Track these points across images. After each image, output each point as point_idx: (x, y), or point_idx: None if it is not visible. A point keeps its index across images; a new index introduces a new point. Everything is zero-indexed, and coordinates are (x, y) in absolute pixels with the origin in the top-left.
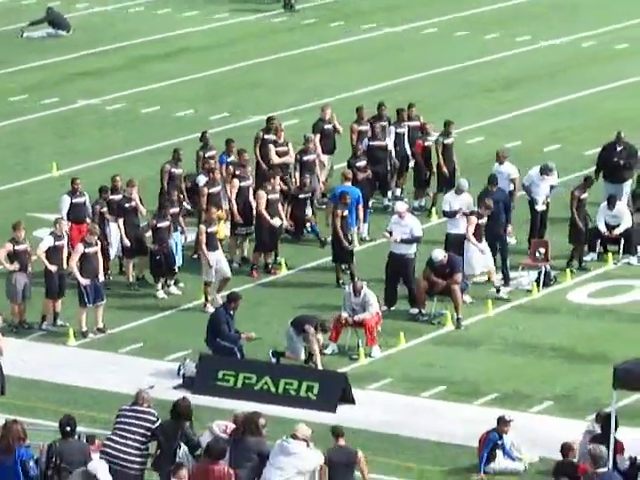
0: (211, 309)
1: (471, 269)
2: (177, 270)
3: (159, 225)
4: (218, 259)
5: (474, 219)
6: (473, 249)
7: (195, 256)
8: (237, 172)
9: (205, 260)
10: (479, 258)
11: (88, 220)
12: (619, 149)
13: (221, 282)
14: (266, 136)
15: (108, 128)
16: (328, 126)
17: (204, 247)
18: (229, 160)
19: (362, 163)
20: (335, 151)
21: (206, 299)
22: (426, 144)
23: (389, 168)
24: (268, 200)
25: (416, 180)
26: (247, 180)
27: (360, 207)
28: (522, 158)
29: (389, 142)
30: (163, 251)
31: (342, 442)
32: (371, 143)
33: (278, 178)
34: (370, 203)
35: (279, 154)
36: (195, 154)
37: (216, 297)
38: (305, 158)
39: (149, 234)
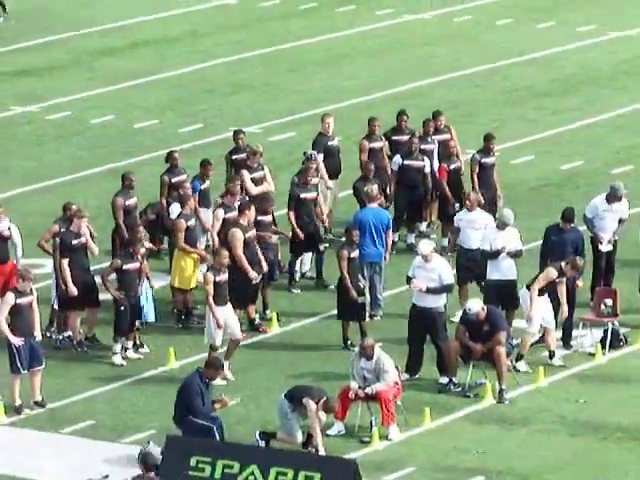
0: (219, 382)
1: (529, 325)
2: (142, 327)
3: (125, 267)
4: (228, 316)
5: (553, 273)
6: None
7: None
8: (223, 200)
9: (214, 318)
10: (538, 312)
11: (16, 261)
12: None
13: (230, 346)
14: (234, 156)
15: (49, 143)
16: (332, 142)
17: (212, 301)
18: (203, 187)
19: (374, 187)
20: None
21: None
22: (452, 167)
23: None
24: (245, 240)
25: (442, 213)
26: (233, 211)
27: (390, 234)
28: (583, 183)
29: (427, 162)
30: (130, 301)
31: None
32: (406, 162)
33: (253, 210)
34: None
35: (254, 182)
36: (159, 179)
37: (224, 367)
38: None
39: (100, 280)
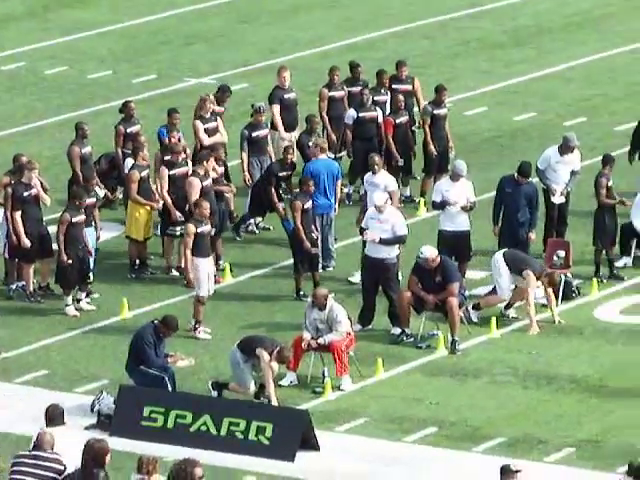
0: (204, 335)
1: (499, 289)
2: (91, 278)
3: (74, 220)
4: (209, 270)
5: (533, 282)
6: (505, 270)
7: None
8: (166, 157)
9: (197, 269)
10: (508, 281)
11: None
12: None
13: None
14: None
15: (3, 93)
16: (289, 95)
17: (189, 253)
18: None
19: (324, 140)
20: (297, 126)
21: (197, 322)
22: (398, 121)
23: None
24: (202, 189)
25: (388, 166)
26: (181, 167)
27: (339, 184)
28: (536, 134)
29: (379, 113)
30: (77, 254)
31: None
32: (361, 114)
33: (212, 161)
34: (346, 190)
35: (208, 132)
36: (114, 129)
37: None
38: (254, 134)
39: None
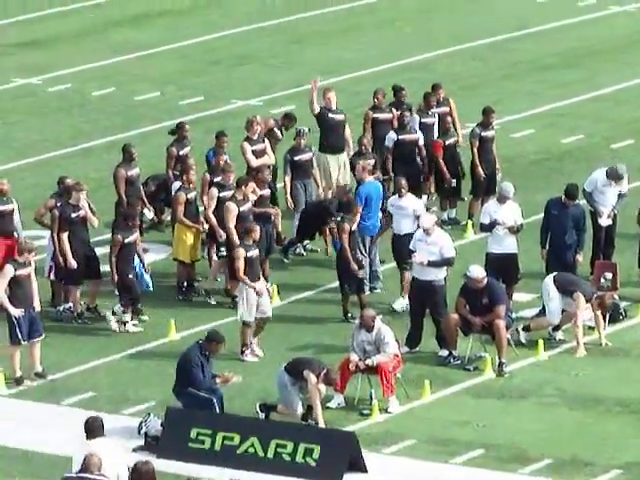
0: (251, 358)
1: (548, 313)
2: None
3: (127, 240)
4: (261, 291)
5: (583, 304)
6: (555, 294)
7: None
8: (216, 179)
9: (244, 293)
10: (559, 304)
11: (16, 234)
12: None
13: (258, 324)
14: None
15: (50, 115)
16: (334, 115)
17: (243, 275)
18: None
19: (369, 162)
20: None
21: (244, 345)
22: (448, 142)
23: (421, 168)
24: (239, 214)
25: (439, 188)
26: (231, 189)
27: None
28: (584, 157)
29: (420, 135)
30: (131, 274)
31: None
32: (400, 137)
33: (253, 184)
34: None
35: (255, 154)
36: (166, 150)
37: (253, 344)
38: (297, 158)
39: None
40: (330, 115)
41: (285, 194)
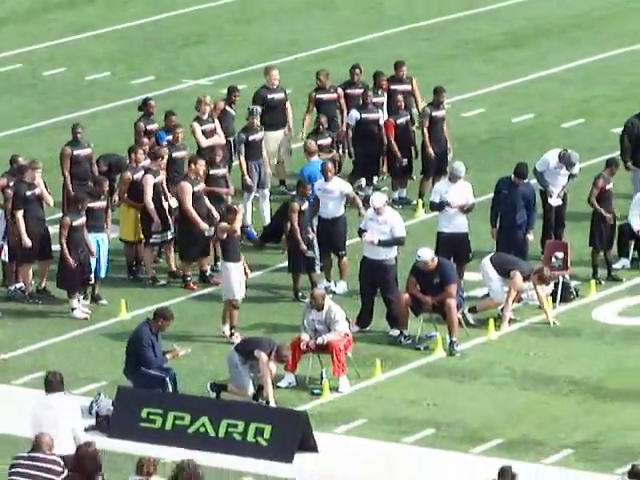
0: (238, 339)
1: (492, 294)
2: (92, 281)
3: (74, 223)
4: (241, 273)
5: (520, 283)
6: (494, 274)
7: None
8: (150, 166)
9: (229, 273)
10: (499, 284)
11: None
12: None
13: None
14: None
15: (1, 95)
16: (274, 95)
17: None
18: (169, 138)
19: (326, 141)
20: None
21: (232, 326)
22: (399, 122)
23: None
24: (194, 194)
25: (390, 167)
26: (159, 175)
27: None
28: (535, 136)
29: (381, 114)
30: (79, 258)
31: None
32: (363, 115)
33: (204, 164)
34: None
35: (205, 134)
36: (133, 126)
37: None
38: (251, 138)
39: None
40: (269, 95)
41: (243, 174)
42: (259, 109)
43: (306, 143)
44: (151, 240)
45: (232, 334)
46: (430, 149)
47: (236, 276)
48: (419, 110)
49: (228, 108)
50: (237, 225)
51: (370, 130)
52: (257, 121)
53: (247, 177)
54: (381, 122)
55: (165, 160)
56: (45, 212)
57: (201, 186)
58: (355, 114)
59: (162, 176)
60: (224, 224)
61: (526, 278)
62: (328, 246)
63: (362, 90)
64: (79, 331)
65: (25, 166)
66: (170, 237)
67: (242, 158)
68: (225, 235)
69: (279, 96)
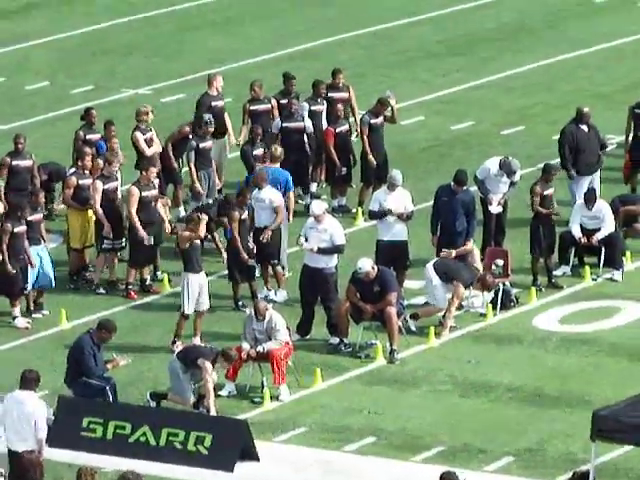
0: (179, 348)
1: (434, 300)
2: (28, 290)
3: (15, 230)
4: (202, 284)
5: (461, 292)
6: (437, 281)
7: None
8: (102, 172)
9: (186, 284)
10: (442, 290)
11: None
12: (586, 130)
13: (196, 316)
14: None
15: None
16: (217, 102)
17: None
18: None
19: (259, 152)
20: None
21: (177, 335)
22: (339, 130)
23: (309, 156)
24: (142, 199)
25: (329, 176)
26: (113, 181)
27: (291, 195)
28: (474, 143)
29: (308, 123)
30: (20, 265)
31: None
32: (285, 124)
33: (154, 170)
34: None
35: (147, 143)
36: (74, 134)
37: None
38: (202, 145)
39: None
40: (213, 103)
41: (193, 182)
42: (211, 118)
43: (271, 149)
44: (103, 246)
45: (174, 342)
46: (370, 157)
47: (194, 287)
48: (356, 119)
49: (191, 137)
50: (201, 233)
51: (293, 139)
52: (211, 129)
53: (197, 184)
54: (308, 131)
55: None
56: None
57: (151, 193)
58: (277, 123)
59: (116, 183)
60: (186, 233)
61: (467, 287)
62: (263, 255)
63: (287, 99)
64: (20, 340)
65: None
66: (123, 245)
67: (192, 165)
68: (187, 244)
69: (221, 104)
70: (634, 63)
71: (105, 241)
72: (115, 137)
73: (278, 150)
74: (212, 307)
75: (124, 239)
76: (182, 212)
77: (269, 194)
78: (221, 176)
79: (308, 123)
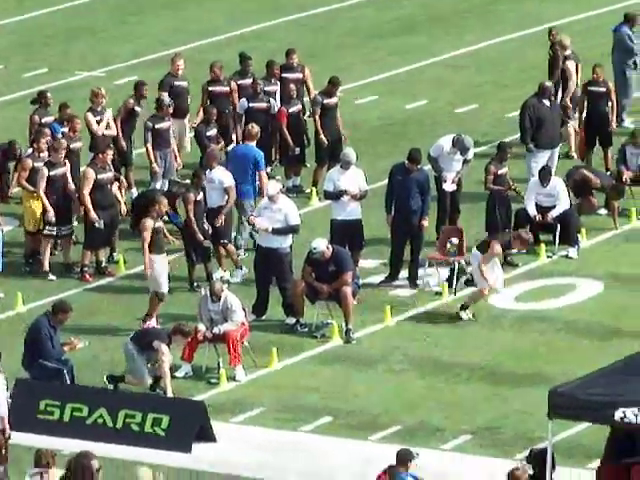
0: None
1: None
2: None
3: None
4: (165, 265)
5: (498, 249)
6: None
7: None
8: (49, 158)
9: (153, 265)
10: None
11: None
12: (548, 104)
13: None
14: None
15: None
16: (179, 83)
17: (147, 248)
18: (64, 130)
19: (212, 132)
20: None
21: (148, 315)
22: (291, 110)
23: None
24: (97, 181)
25: (282, 156)
26: (61, 167)
27: (263, 174)
28: (428, 122)
29: (273, 103)
30: None
31: None
32: (252, 104)
33: (110, 153)
34: None
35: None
36: (29, 119)
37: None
38: (158, 126)
39: None
40: (176, 82)
41: (150, 163)
42: (170, 99)
43: (247, 127)
44: (45, 232)
45: (144, 320)
46: (323, 137)
47: (161, 268)
48: (310, 98)
49: (137, 108)
50: (162, 210)
51: (259, 119)
52: (170, 110)
53: (154, 165)
54: (272, 111)
55: (64, 152)
56: None
57: (107, 175)
58: (244, 103)
59: (64, 168)
60: (149, 221)
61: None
62: (213, 236)
63: (252, 79)
64: None
65: None
66: (68, 231)
67: (149, 146)
68: (151, 231)
69: (183, 84)
70: (586, 41)
71: (47, 227)
72: (77, 117)
73: (255, 128)
74: (169, 288)
75: (70, 225)
76: (135, 193)
77: (219, 174)
78: (181, 157)
79: (272, 103)
